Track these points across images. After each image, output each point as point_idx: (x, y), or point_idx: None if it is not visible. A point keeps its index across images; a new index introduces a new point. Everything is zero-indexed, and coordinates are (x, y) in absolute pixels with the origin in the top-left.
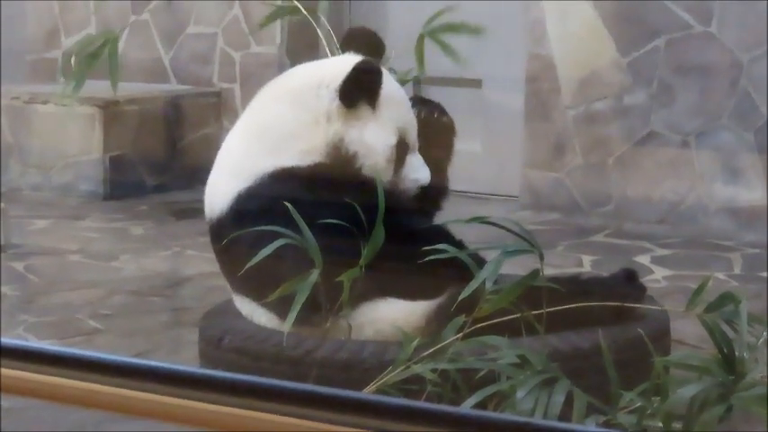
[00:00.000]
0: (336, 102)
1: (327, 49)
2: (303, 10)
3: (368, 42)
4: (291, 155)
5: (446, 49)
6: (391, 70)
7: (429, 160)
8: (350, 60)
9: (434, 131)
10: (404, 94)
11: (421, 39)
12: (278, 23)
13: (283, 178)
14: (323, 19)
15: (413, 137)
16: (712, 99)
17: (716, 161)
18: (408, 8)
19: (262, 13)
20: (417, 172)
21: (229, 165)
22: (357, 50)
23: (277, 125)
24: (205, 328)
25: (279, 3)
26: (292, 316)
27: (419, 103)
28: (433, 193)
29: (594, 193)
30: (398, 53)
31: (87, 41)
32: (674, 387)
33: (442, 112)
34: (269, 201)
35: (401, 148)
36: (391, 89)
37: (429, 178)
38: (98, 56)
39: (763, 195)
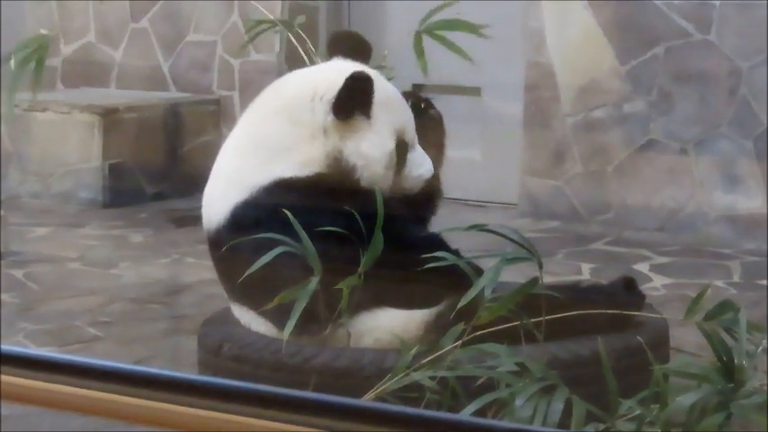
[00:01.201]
0: (331, 116)
1: (306, 59)
2: (277, 23)
3: (354, 46)
4: (289, 166)
5: (449, 45)
6: (384, 69)
7: None
8: (340, 68)
9: (423, 127)
10: (397, 93)
11: (418, 37)
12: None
13: (282, 189)
14: (299, 30)
15: (411, 133)
16: (711, 107)
17: (715, 169)
18: (408, 9)
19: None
20: (420, 167)
21: (226, 176)
22: (344, 54)
23: (274, 139)
24: (204, 336)
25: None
26: (291, 324)
27: (408, 96)
28: (428, 197)
29: (594, 200)
30: (398, 55)
31: (22, 45)
32: (673, 395)
33: (430, 104)
34: (267, 211)
35: (401, 148)
36: (384, 93)
37: (432, 170)
38: (29, 60)
39: (762, 203)
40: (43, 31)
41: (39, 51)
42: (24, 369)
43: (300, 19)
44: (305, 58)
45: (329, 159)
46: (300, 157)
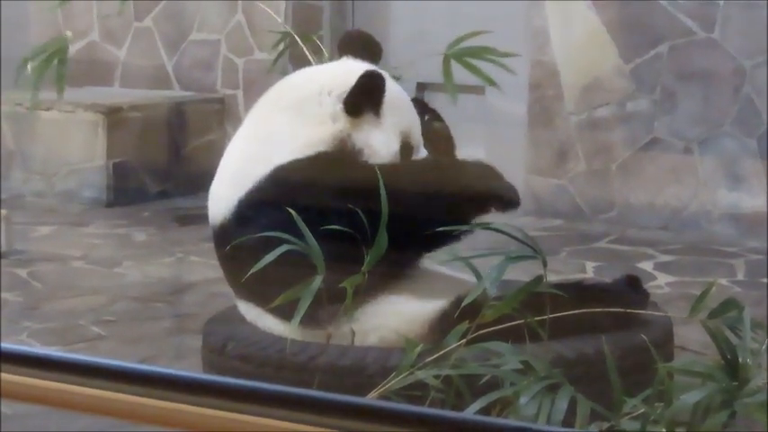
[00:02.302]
0: (339, 105)
1: (310, 58)
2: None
3: (364, 46)
4: (293, 150)
5: (477, 72)
6: (394, 76)
7: None
8: (349, 67)
9: (429, 139)
10: (405, 96)
11: (447, 61)
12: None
13: (284, 172)
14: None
15: (417, 137)
16: (715, 105)
17: (719, 167)
18: (411, 10)
19: (265, 20)
20: None
21: (231, 173)
22: (354, 54)
23: (280, 133)
24: (208, 335)
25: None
26: (296, 322)
27: (415, 104)
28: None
29: (597, 199)
30: (401, 55)
31: (40, 49)
32: (677, 393)
33: (437, 116)
34: (271, 203)
35: (406, 151)
36: (393, 94)
37: None
38: (50, 63)
39: (765, 202)
40: (68, 33)
41: (59, 53)
42: (28, 368)
43: (324, 31)
44: (310, 57)
45: (335, 141)
46: (305, 141)
